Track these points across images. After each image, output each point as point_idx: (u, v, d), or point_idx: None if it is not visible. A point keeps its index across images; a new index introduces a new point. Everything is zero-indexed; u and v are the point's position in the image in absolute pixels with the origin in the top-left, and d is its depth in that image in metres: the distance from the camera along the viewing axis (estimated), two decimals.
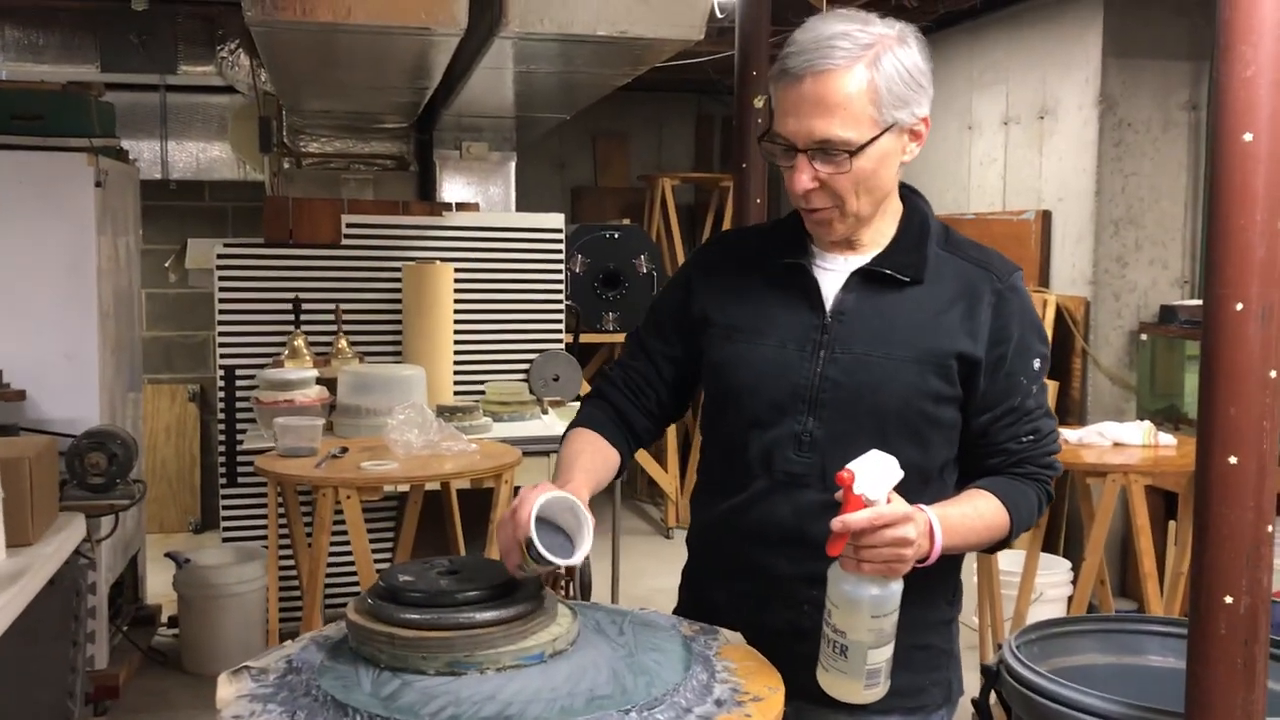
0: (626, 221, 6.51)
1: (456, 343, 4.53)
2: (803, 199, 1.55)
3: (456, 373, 4.52)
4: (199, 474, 6.55)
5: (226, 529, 4.62)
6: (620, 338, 6.01)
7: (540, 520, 1.39)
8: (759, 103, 2.76)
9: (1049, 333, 4.86)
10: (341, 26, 3.04)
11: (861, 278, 1.60)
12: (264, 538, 4.21)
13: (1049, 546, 4.51)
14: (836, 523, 1.37)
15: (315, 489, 3.07)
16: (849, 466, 1.39)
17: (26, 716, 2.72)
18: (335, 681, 1.32)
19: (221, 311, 4.51)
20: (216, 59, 5.12)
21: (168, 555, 4.60)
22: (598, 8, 3.12)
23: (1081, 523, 3.75)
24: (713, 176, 7.25)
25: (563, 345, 4.92)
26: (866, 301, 1.59)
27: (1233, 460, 1.42)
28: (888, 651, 1.43)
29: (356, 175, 5.38)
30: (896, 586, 1.42)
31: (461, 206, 4.92)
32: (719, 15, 4.09)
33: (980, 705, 2.21)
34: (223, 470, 4.47)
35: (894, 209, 1.64)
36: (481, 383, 4.66)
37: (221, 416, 4.39)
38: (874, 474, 1.39)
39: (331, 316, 4.42)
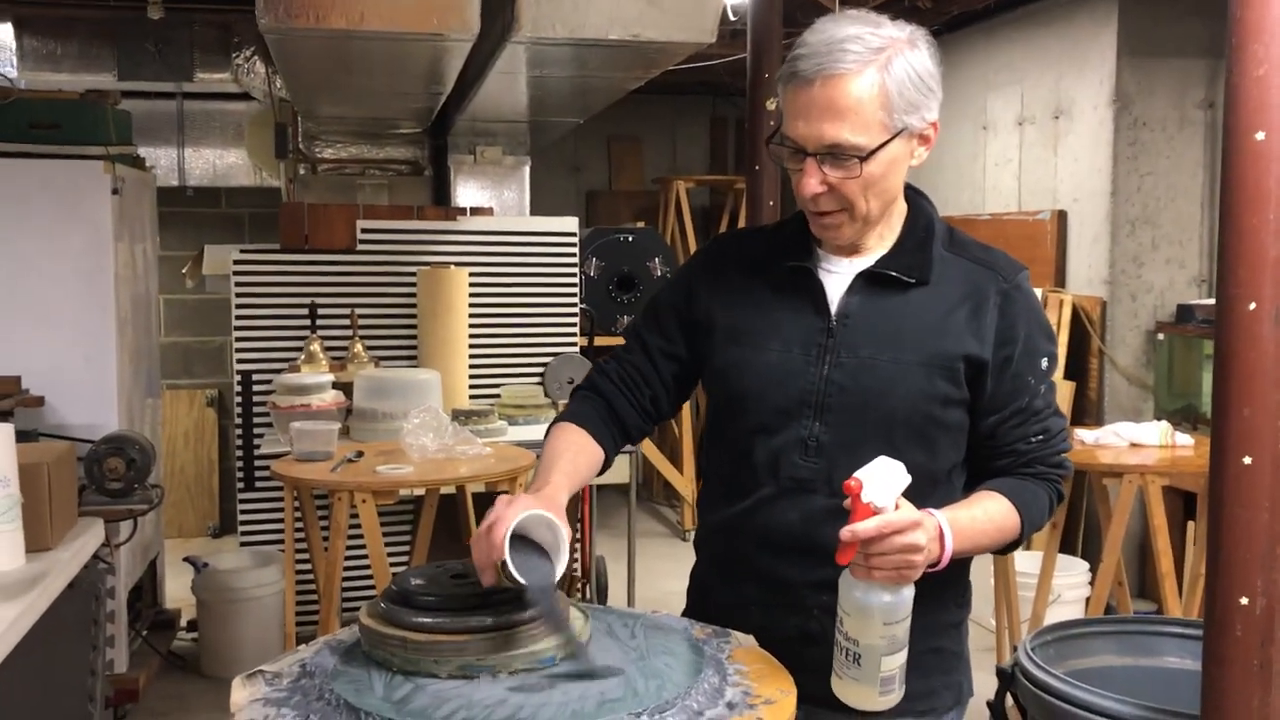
0: (641, 224, 6.52)
1: (471, 346, 4.54)
2: (811, 202, 1.54)
3: (471, 376, 4.54)
4: (217, 478, 6.59)
5: (244, 533, 4.64)
6: None
7: (516, 538, 1.35)
8: (771, 105, 2.76)
9: (1064, 334, 4.84)
10: (354, 33, 3.05)
11: (866, 280, 1.59)
12: (281, 542, 4.23)
13: (1066, 547, 4.49)
14: (845, 532, 1.36)
15: (331, 493, 3.09)
16: (856, 475, 1.38)
17: (46, 718, 2.73)
18: (348, 685, 1.32)
19: (238, 317, 4.54)
20: (232, 66, 5.15)
21: (186, 560, 4.63)
22: (609, 12, 3.13)
23: (1099, 523, 3.73)
24: (727, 179, 7.25)
25: (577, 348, 4.92)
26: (871, 304, 1.58)
27: (1247, 461, 1.41)
28: (902, 657, 1.43)
29: (371, 180, 5.40)
30: (908, 593, 1.41)
31: (476, 211, 4.93)
32: (731, 18, 4.09)
33: (995, 708, 2.20)
34: (240, 475, 4.50)
35: (899, 211, 1.63)
36: (496, 386, 4.67)
37: (239, 421, 4.41)
38: (881, 481, 1.39)
39: (347, 321, 4.44)
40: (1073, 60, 5.02)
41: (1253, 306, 1.39)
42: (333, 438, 3.32)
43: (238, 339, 4.54)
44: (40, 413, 3.61)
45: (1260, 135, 1.38)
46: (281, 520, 3.50)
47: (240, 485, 4.54)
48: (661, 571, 5.36)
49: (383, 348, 4.58)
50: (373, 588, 3.60)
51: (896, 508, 1.39)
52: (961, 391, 1.56)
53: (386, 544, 3.26)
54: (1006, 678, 2.12)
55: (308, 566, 3.69)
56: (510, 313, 4.80)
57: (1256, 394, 1.40)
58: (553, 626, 1.38)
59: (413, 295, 4.54)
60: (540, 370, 4.82)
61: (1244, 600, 1.43)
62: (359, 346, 4.36)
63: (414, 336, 4.56)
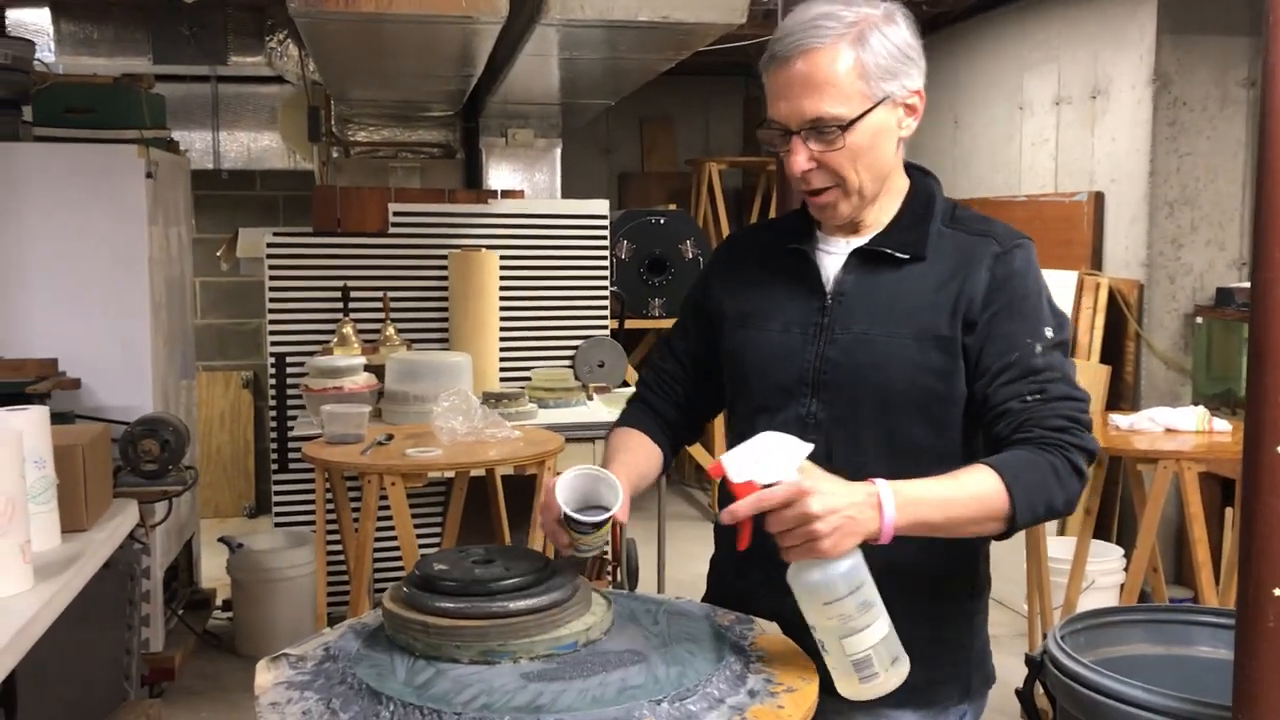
0: (673, 207, 6.50)
1: (502, 329, 4.55)
2: (803, 181, 1.56)
3: (502, 359, 4.55)
4: (253, 459, 6.65)
5: (278, 514, 4.68)
6: (666, 324, 6.00)
7: (574, 507, 1.42)
8: None
9: (1100, 317, 4.78)
10: (384, 16, 3.05)
11: (861, 258, 1.60)
12: (315, 523, 4.27)
13: (1101, 533, 4.44)
14: (725, 514, 1.34)
15: (361, 476, 3.11)
16: (721, 457, 1.35)
17: (84, 697, 2.78)
18: (370, 669, 1.33)
19: (272, 299, 4.57)
20: (266, 49, 5.18)
21: (221, 540, 4.68)
22: None
23: (1134, 509, 3.69)
24: (760, 160, 7.21)
25: (608, 331, 4.92)
26: (866, 281, 1.58)
27: None
28: (869, 638, 1.34)
29: (404, 164, 5.42)
30: (843, 566, 1.32)
31: (507, 194, 4.93)
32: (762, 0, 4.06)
33: (1024, 696, 2.18)
34: (274, 456, 4.54)
35: (898, 189, 1.63)
36: (527, 369, 4.68)
37: (274, 403, 4.45)
38: (759, 457, 1.33)
39: (379, 304, 4.46)
40: (1111, 38, 4.94)
41: None
42: (363, 420, 3.34)
43: (271, 321, 4.58)
44: (76, 395, 3.65)
45: None
46: (314, 501, 3.53)
47: (274, 466, 4.58)
48: (692, 554, 5.36)
49: (414, 330, 4.59)
50: (403, 569, 3.63)
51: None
52: (958, 363, 1.54)
53: (416, 526, 3.28)
54: (1036, 666, 2.11)
55: (339, 548, 3.72)
56: (541, 295, 4.80)
57: None
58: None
59: (444, 278, 4.55)
60: (571, 353, 4.82)
61: (1277, 591, 1.40)
62: (390, 329, 4.38)
63: (445, 319, 4.57)
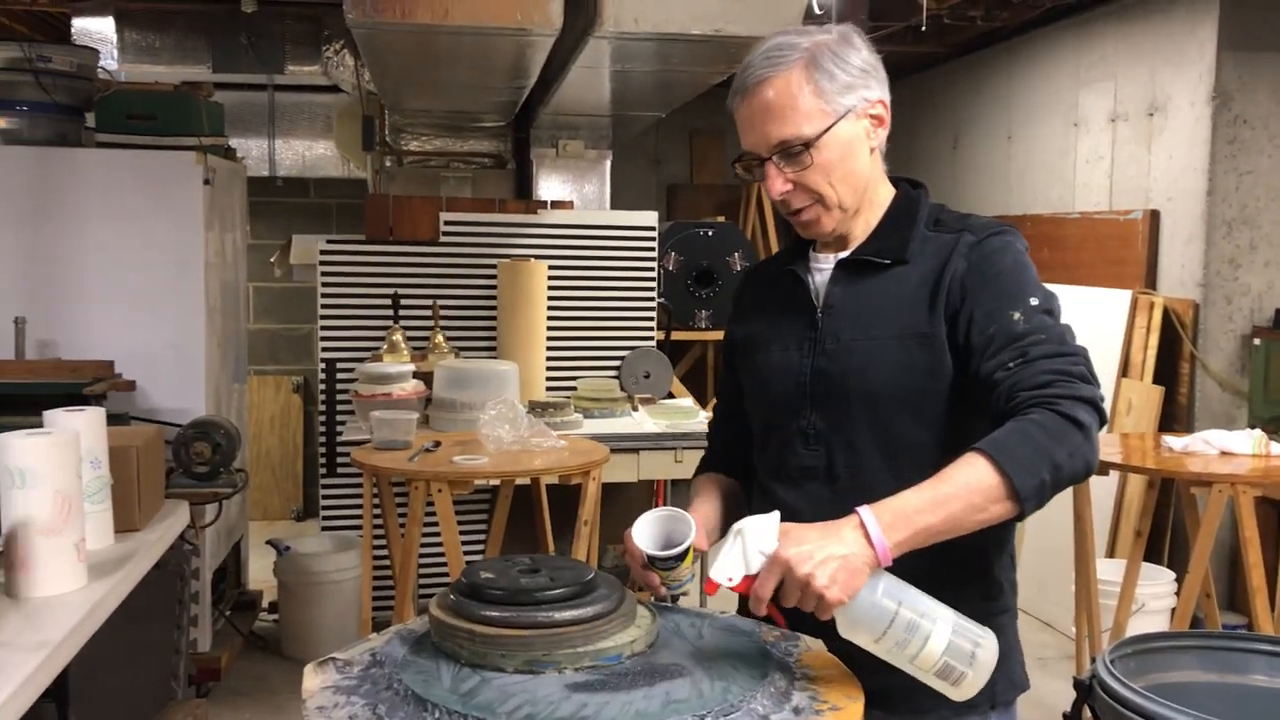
0: (721, 219, 6.49)
1: (549, 339, 4.57)
2: (783, 205, 1.61)
3: (549, 369, 4.57)
4: (301, 463, 6.72)
5: (326, 518, 4.73)
6: (713, 336, 5.99)
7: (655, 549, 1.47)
8: None
9: (1154, 337, 4.71)
10: (440, 28, 3.09)
11: (846, 269, 1.64)
12: (362, 527, 4.31)
13: (1152, 556, 4.37)
14: (758, 610, 1.37)
15: (408, 482, 3.13)
16: (710, 576, 1.38)
17: (132, 695, 2.82)
18: (416, 676, 1.34)
19: (324, 305, 4.62)
20: (322, 59, 5.25)
21: (269, 543, 4.73)
22: (692, 6, 3.12)
23: (1186, 532, 3.63)
24: None
25: (654, 343, 4.92)
26: (852, 291, 1.62)
27: None
28: (935, 650, 1.34)
29: (455, 173, 5.46)
30: (869, 605, 1.34)
31: (556, 204, 4.96)
32: (817, 11, 4.05)
33: None
34: (323, 460, 4.59)
35: (882, 200, 1.66)
36: (573, 379, 4.70)
37: (323, 408, 4.50)
38: (743, 550, 1.37)
39: (429, 312, 4.49)
40: (1169, 55, 4.88)
41: None
42: (411, 427, 3.37)
43: (323, 327, 4.63)
44: (131, 397, 3.72)
45: None
46: (362, 506, 3.56)
47: (323, 471, 4.63)
48: None
49: (463, 338, 4.63)
50: (448, 575, 3.64)
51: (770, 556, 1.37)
52: (945, 358, 1.54)
53: (461, 533, 3.29)
54: (1084, 689, 2.07)
55: (385, 553, 3.74)
56: (588, 306, 4.82)
57: None
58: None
59: (493, 287, 4.58)
60: (617, 364, 4.83)
61: None
62: (439, 337, 4.42)
63: (493, 328, 4.60)
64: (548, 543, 3.67)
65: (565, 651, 1.35)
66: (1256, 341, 4.62)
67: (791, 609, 1.38)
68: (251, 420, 5.99)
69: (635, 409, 4.44)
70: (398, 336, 4.31)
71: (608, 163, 5.52)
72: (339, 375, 4.52)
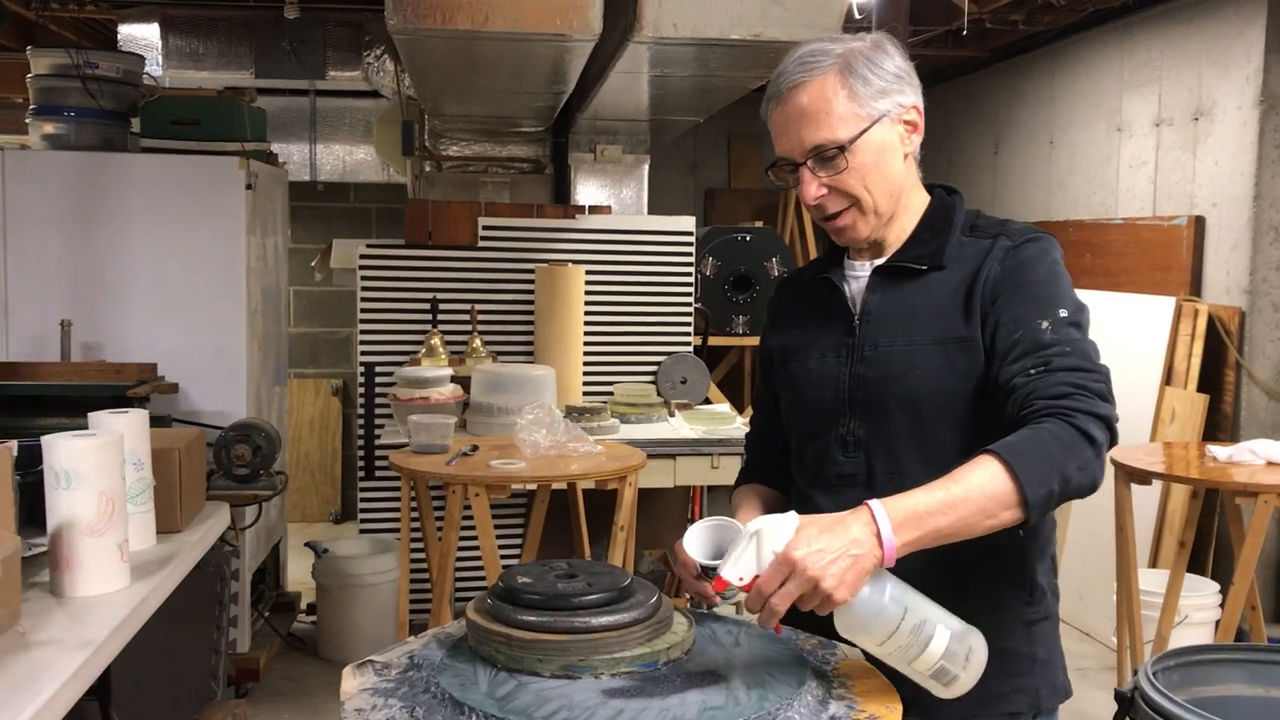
0: (759, 224, 6.48)
1: (586, 344, 4.57)
2: (818, 210, 1.60)
3: (586, 373, 4.57)
4: (340, 466, 6.77)
5: (364, 520, 4.76)
6: (750, 341, 5.98)
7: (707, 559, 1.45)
8: None
9: (1199, 345, 4.65)
10: (479, 34, 3.10)
11: (883, 275, 1.64)
12: (399, 530, 4.33)
13: (1196, 567, 4.31)
14: (763, 618, 1.36)
15: (445, 485, 3.14)
16: (720, 574, 1.37)
17: (173, 694, 2.85)
18: (454, 679, 1.34)
19: (363, 310, 4.66)
20: (363, 64, 5.29)
21: (308, 545, 4.77)
22: (732, 11, 3.11)
23: (1231, 543, 3.57)
24: None
25: (691, 348, 4.92)
26: (888, 297, 1.62)
27: None
28: (934, 653, 1.35)
29: (494, 178, 5.48)
30: (877, 609, 1.34)
31: (595, 209, 4.97)
32: (856, 16, 4.04)
33: None
34: (361, 463, 4.62)
35: (917, 207, 1.66)
36: (610, 384, 4.70)
37: (362, 411, 4.53)
38: (745, 556, 1.36)
39: (467, 316, 4.51)
40: (1215, 58, 4.81)
41: None
42: (449, 431, 3.38)
43: (362, 331, 4.66)
44: (174, 399, 3.76)
45: None
46: (400, 509, 3.58)
47: (361, 474, 4.66)
48: None
49: (500, 343, 4.64)
50: (485, 579, 3.66)
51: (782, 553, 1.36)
52: (980, 362, 1.54)
53: (498, 537, 3.30)
54: (1125, 702, 2.04)
55: (422, 556, 3.76)
56: (625, 311, 4.82)
57: None
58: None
59: (531, 292, 4.60)
60: (654, 369, 4.83)
61: None
62: (477, 341, 4.44)
63: (531, 333, 4.61)
64: (584, 547, 3.67)
65: (602, 657, 1.35)
66: None
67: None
68: (291, 423, 6.05)
69: (672, 414, 4.43)
70: (436, 341, 4.34)
71: (645, 167, 5.53)
72: (378, 379, 4.55)
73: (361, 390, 4.54)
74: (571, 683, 1.33)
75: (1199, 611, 4.14)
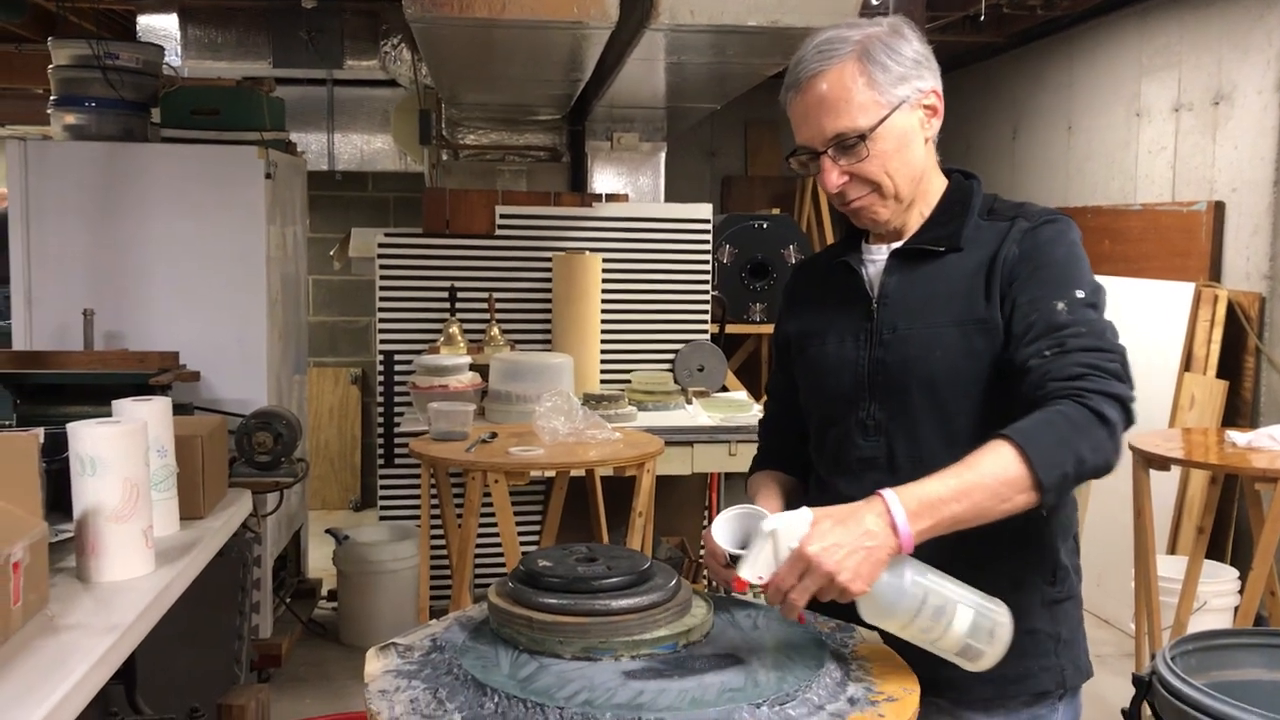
0: (776, 211, 6.47)
1: (604, 332, 4.58)
2: (839, 197, 1.61)
3: (603, 361, 4.58)
4: (360, 454, 6.81)
5: (384, 508, 4.79)
6: (768, 329, 5.98)
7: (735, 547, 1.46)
8: None
9: (1219, 331, 4.63)
10: (497, 22, 3.11)
11: (900, 258, 1.64)
12: (419, 517, 4.36)
13: (1215, 553, 4.30)
14: (786, 612, 1.37)
15: (465, 472, 3.16)
16: (738, 574, 1.38)
17: (196, 678, 2.88)
18: (476, 661, 1.36)
19: (382, 298, 4.68)
20: (380, 54, 5.30)
21: (328, 532, 4.81)
22: None
23: (1250, 529, 3.56)
24: None
25: (708, 336, 4.92)
26: (906, 281, 1.63)
27: None
28: (957, 633, 1.36)
29: (511, 166, 5.50)
30: (896, 596, 1.35)
31: (611, 197, 4.97)
32: (874, 2, 4.02)
33: (1131, 716, 2.13)
34: (381, 451, 4.65)
35: (936, 191, 1.67)
36: (627, 372, 4.71)
37: (381, 399, 4.55)
38: (761, 555, 1.37)
39: (485, 304, 4.53)
40: (1235, 42, 4.78)
41: None
42: (468, 418, 3.40)
43: (381, 320, 4.69)
44: (195, 387, 3.78)
45: None
46: (419, 496, 3.61)
47: (381, 461, 4.69)
48: None
49: (518, 331, 4.66)
50: (504, 565, 3.68)
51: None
52: (999, 343, 1.54)
53: (517, 523, 3.32)
54: (1143, 686, 2.05)
55: (442, 542, 3.79)
56: (643, 299, 4.83)
57: None
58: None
59: (548, 280, 4.61)
60: (671, 357, 4.83)
61: None
62: (495, 329, 4.45)
63: (548, 321, 4.62)
64: (602, 534, 3.69)
65: (622, 639, 1.37)
66: None
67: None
68: (311, 411, 6.08)
69: (689, 402, 4.44)
70: (454, 329, 4.36)
71: (662, 155, 5.53)
72: (396, 367, 4.57)
73: (381, 378, 4.57)
74: (592, 664, 1.35)
75: (1218, 597, 4.13)
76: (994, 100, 6.80)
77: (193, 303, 3.97)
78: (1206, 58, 4.96)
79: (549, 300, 4.61)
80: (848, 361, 1.64)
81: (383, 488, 4.77)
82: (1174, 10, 5.17)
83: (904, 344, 1.59)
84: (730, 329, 5.62)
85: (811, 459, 1.76)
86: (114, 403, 2.20)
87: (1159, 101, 5.30)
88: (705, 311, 4.91)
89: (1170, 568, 3.97)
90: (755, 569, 1.37)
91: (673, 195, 5.63)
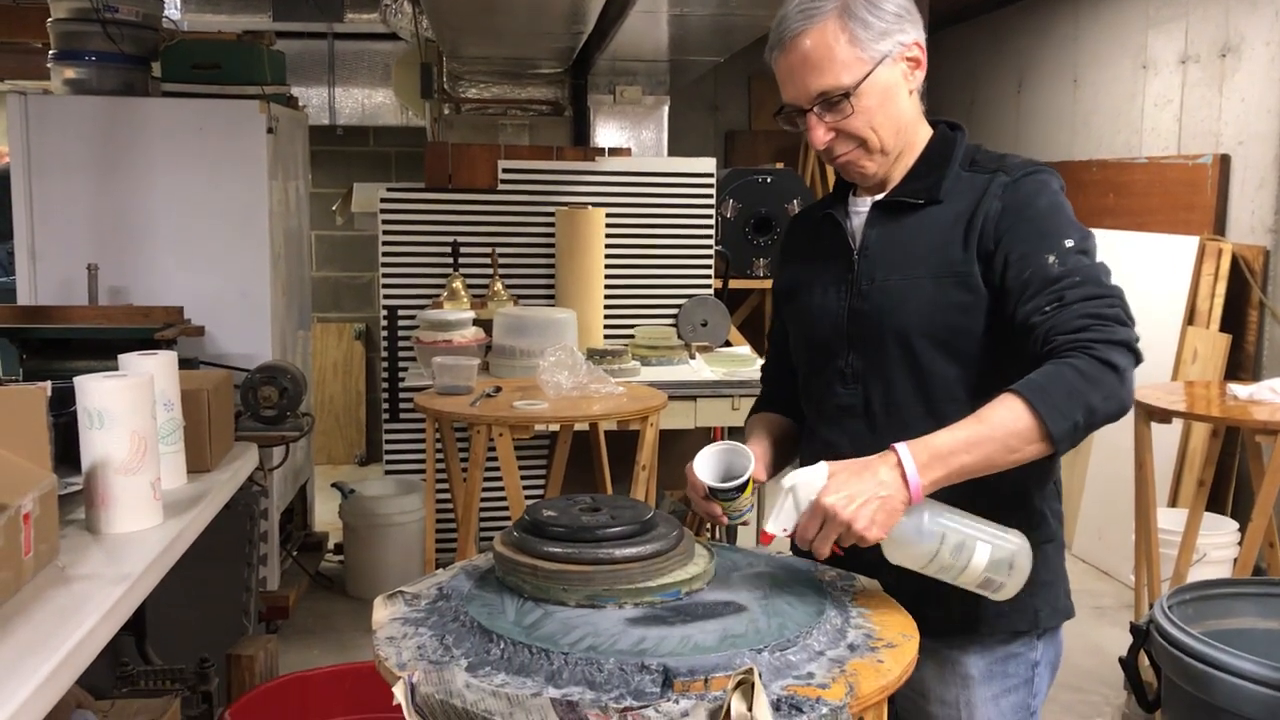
0: (780, 165, 6.44)
1: (607, 287, 4.59)
2: (827, 152, 1.64)
3: (606, 316, 4.59)
4: (364, 409, 6.84)
5: (389, 462, 4.82)
6: (770, 284, 5.97)
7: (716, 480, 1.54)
8: None
9: (1222, 285, 4.62)
10: None
11: (882, 210, 1.67)
12: (424, 470, 4.39)
13: (1215, 505, 4.33)
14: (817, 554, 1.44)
15: (470, 426, 3.18)
16: (764, 529, 1.47)
17: (206, 630, 2.92)
18: (482, 609, 1.38)
19: (385, 253, 4.68)
20: (381, 6, 5.26)
21: (334, 486, 4.84)
22: None
23: (1250, 482, 3.58)
24: None
25: (712, 291, 4.92)
26: (887, 232, 1.65)
27: None
28: (978, 567, 1.43)
29: (513, 121, 5.47)
30: (916, 538, 1.43)
31: (614, 151, 4.96)
32: None
33: (1128, 665, 2.16)
34: (386, 406, 4.67)
35: (921, 141, 1.68)
36: (631, 327, 4.72)
37: (385, 354, 4.57)
38: (784, 509, 1.44)
39: (488, 259, 4.53)
40: None
41: None
42: (473, 373, 3.42)
43: (384, 275, 4.69)
44: (200, 342, 3.80)
45: None
46: (424, 450, 3.63)
47: (386, 416, 4.71)
48: None
49: (521, 286, 4.66)
50: (508, 517, 3.71)
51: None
52: (980, 296, 1.57)
53: (522, 476, 3.35)
54: (1140, 635, 2.08)
55: (447, 495, 3.82)
56: (646, 253, 4.83)
57: None
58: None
59: (551, 235, 4.60)
60: (674, 312, 4.84)
61: None
62: (499, 284, 4.46)
63: (552, 276, 4.63)
64: (606, 486, 3.72)
65: (625, 587, 1.39)
66: None
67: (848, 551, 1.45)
68: (315, 367, 6.10)
69: (692, 357, 4.45)
70: (458, 284, 4.36)
71: (665, 109, 5.50)
72: (400, 322, 4.58)
73: (384, 334, 4.58)
74: (596, 611, 1.37)
75: (1217, 550, 4.16)
76: (999, 54, 6.74)
77: (196, 258, 3.97)
78: (1214, 9, 4.92)
79: (552, 255, 4.61)
80: (829, 311, 1.68)
81: (388, 442, 4.80)
82: None
83: (881, 295, 1.63)
84: (733, 284, 5.61)
85: (801, 405, 1.81)
86: (120, 357, 2.21)
87: (1165, 54, 5.26)
88: (708, 266, 4.91)
89: (1170, 520, 4.00)
90: (779, 522, 1.44)
91: (676, 149, 5.60)
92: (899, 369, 1.62)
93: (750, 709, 1.12)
